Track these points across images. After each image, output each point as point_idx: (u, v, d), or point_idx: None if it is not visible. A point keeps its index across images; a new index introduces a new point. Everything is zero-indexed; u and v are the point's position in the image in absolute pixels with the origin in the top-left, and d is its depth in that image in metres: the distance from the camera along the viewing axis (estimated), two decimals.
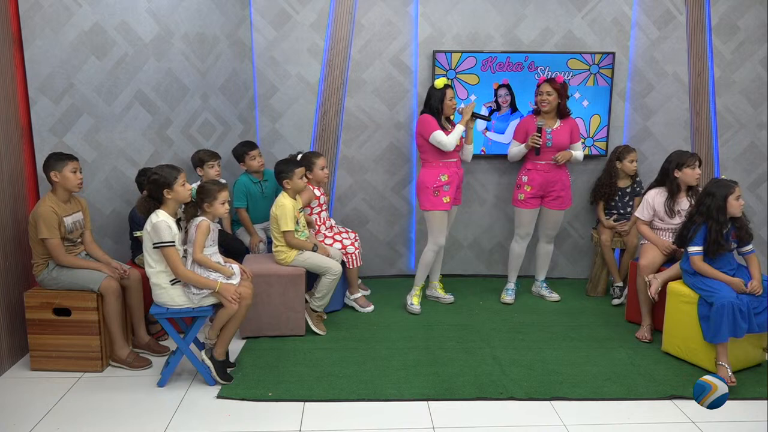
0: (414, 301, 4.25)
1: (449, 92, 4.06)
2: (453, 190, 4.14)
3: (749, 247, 3.45)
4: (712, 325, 3.23)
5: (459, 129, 4.02)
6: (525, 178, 4.29)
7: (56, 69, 3.64)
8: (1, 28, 3.37)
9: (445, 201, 4.11)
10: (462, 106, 4.13)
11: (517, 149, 4.31)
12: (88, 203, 3.59)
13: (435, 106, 4.06)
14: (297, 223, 3.83)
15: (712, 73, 4.77)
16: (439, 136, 3.97)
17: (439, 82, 4.04)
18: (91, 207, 3.75)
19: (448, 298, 4.46)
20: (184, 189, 3.18)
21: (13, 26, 3.49)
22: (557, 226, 4.45)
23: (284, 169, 3.81)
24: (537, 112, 4.26)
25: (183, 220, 3.28)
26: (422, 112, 4.12)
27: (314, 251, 3.86)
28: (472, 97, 4.56)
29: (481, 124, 4.70)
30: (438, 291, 4.48)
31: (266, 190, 4.35)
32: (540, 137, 4.13)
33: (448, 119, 4.14)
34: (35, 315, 3.34)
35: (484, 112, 4.65)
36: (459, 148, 4.14)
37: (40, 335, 3.35)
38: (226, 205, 3.29)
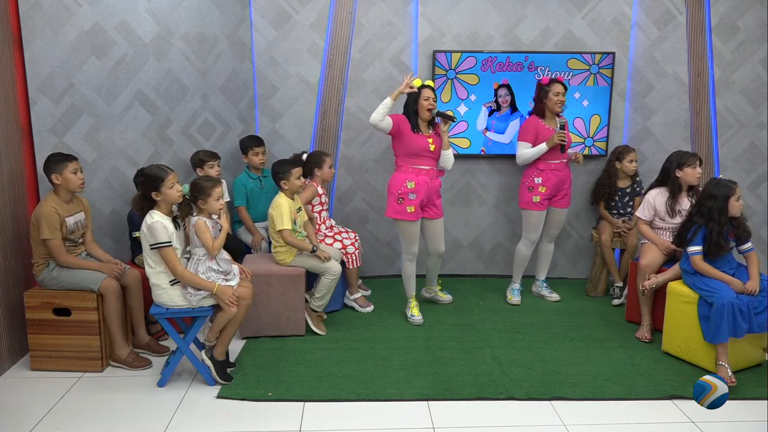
0: (414, 312, 4.11)
1: (425, 92, 3.85)
2: (419, 200, 3.88)
3: (748, 245, 3.45)
4: (712, 325, 3.23)
5: (386, 102, 3.75)
6: (539, 180, 4.19)
7: (56, 69, 3.64)
8: (1, 28, 3.37)
9: (409, 210, 3.86)
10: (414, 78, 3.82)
11: (534, 150, 4.09)
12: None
13: (410, 105, 3.88)
14: (294, 223, 3.83)
15: (712, 73, 4.77)
16: (375, 112, 3.76)
17: (417, 82, 3.83)
18: (91, 207, 3.74)
19: (448, 298, 4.45)
20: (173, 191, 3.15)
21: (13, 26, 3.49)
22: (561, 225, 4.44)
23: (281, 169, 3.81)
24: (540, 114, 4.18)
25: (179, 218, 3.28)
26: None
27: (313, 252, 3.85)
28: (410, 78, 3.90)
29: (481, 123, 4.70)
30: (438, 294, 4.46)
31: (265, 186, 4.36)
32: (565, 134, 4.07)
33: (430, 124, 3.95)
34: (35, 315, 3.34)
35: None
36: (433, 154, 3.90)
37: (40, 335, 3.35)
38: (221, 201, 3.27)
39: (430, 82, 3.97)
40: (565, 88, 4.15)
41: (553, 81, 4.13)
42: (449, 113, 3.93)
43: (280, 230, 3.75)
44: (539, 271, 4.59)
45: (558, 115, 4.17)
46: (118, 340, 3.40)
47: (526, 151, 4.16)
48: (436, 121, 3.98)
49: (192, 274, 3.16)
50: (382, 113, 3.76)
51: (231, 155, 4.53)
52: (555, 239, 4.53)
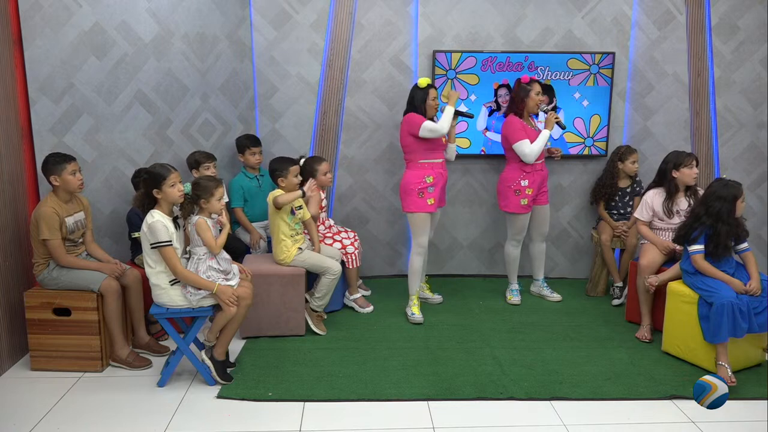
0: (414, 311, 4.12)
1: (432, 92, 3.97)
2: (438, 191, 4.04)
3: (745, 245, 3.44)
4: (712, 325, 3.22)
5: (449, 111, 3.92)
6: (525, 182, 4.17)
7: (56, 69, 3.64)
8: (1, 28, 3.37)
9: (429, 203, 4.01)
10: (447, 90, 3.95)
11: (541, 139, 4.06)
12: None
13: (417, 105, 3.97)
14: (293, 212, 3.80)
15: (712, 73, 4.77)
16: (429, 125, 3.89)
17: (423, 81, 3.96)
18: (92, 207, 3.73)
19: (437, 298, 4.44)
20: (174, 190, 3.14)
21: (13, 26, 3.49)
22: (548, 221, 4.44)
23: (279, 167, 3.80)
24: (519, 114, 4.13)
25: (180, 218, 3.28)
26: (406, 112, 4.03)
27: (303, 197, 3.77)
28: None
29: (481, 123, 4.71)
30: (425, 292, 4.45)
31: (263, 185, 4.36)
32: (552, 113, 4.11)
33: (432, 120, 4.02)
34: (35, 315, 3.34)
35: (463, 108, 4.52)
36: (444, 146, 4.09)
37: (40, 335, 3.35)
38: (222, 202, 3.28)
39: (429, 80, 4.02)
40: (540, 85, 4.15)
41: (533, 81, 4.12)
42: (464, 109, 4.09)
43: (274, 197, 3.69)
44: (536, 271, 4.58)
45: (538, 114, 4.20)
46: (118, 340, 3.40)
47: (534, 146, 4.07)
48: (462, 117, 4.16)
49: (192, 273, 3.16)
50: (448, 121, 3.94)
51: (231, 155, 4.53)
52: (546, 237, 4.51)
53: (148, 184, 3.17)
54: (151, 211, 3.16)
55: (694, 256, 3.41)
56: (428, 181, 4.00)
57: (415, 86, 4.01)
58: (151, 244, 3.12)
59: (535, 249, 4.53)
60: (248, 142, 4.34)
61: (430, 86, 3.98)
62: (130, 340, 3.59)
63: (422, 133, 3.90)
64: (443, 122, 3.90)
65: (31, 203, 3.61)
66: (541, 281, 4.58)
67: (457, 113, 4.04)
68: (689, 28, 4.70)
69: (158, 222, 3.10)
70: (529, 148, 4.09)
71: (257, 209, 4.34)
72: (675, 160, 3.87)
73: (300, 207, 3.90)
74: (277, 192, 3.75)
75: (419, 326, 4.02)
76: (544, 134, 4.09)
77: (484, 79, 4.64)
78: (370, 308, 4.27)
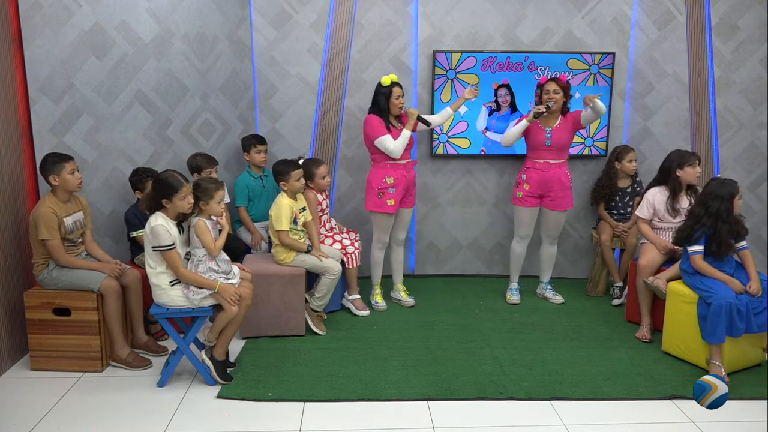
0: (378, 299, 4.29)
1: (396, 90, 3.98)
2: (399, 192, 4.08)
3: (743, 243, 3.44)
4: (709, 326, 3.23)
5: (406, 134, 3.95)
6: (524, 177, 4.24)
7: (56, 69, 3.64)
8: (1, 28, 3.37)
9: (389, 203, 4.07)
10: (409, 108, 4.02)
11: (515, 128, 4.08)
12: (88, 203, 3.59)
13: (382, 104, 4.00)
14: (295, 222, 3.82)
15: (712, 73, 4.77)
16: (386, 142, 3.94)
17: (386, 79, 3.97)
18: (91, 207, 3.73)
19: (409, 301, 4.39)
20: (184, 203, 3.13)
21: (13, 26, 3.49)
22: (559, 227, 4.39)
23: (282, 170, 3.80)
24: (537, 116, 4.10)
25: (184, 221, 3.27)
26: (370, 111, 4.07)
27: (308, 252, 3.85)
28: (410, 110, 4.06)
29: (481, 123, 4.71)
30: (401, 294, 4.43)
31: (267, 185, 4.36)
32: (542, 105, 4.03)
33: (397, 117, 4.09)
34: (35, 315, 3.34)
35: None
36: (409, 148, 4.09)
37: (40, 335, 3.35)
38: (222, 204, 3.28)
39: (394, 77, 4.01)
40: (566, 85, 4.11)
41: (549, 80, 4.11)
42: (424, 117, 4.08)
43: (277, 230, 3.76)
44: (543, 273, 4.57)
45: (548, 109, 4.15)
46: (118, 340, 3.40)
47: (507, 132, 4.16)
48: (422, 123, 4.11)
49: (194, 274, 3.16)
50: (404, 143, 3.95)
51: (231, 155, 4.54)
52: (556, 241, 4.49)
53: (158, 192, 3.14)
54: (156, 213, 3.15)
55: (693, 257, 3.41)
56: (388, 182, 4.05)
57: (379, 84, 4.02)
58: (153, 248, 3.12)
59: (543, 251, 4.51)
60: (254, 141, 4.35)
61: (394, 84, 3.99)
62: (130, 339, 3.59)
63: (377, 145, 3.98)
64: (398, 145, 3.93)
65: (31, 203, 3.61)
66: (545, 284, 4.57)
67: (420, 119, 4.03)
68: (689, 28, 4.71)
69: (160, 226, 3.09)
70: (504, 137, 4.16)
71: (260, 209, 4.33)
72: (679, 160, 3.87)
73: (303, 209, 3.90)
74: (284, 224, 3.74)
75: (419, 326, 4.01)
76: (521, 123, 4.06)
77: (484, 79, 4.64)
78: (367, 312, 4.21)
